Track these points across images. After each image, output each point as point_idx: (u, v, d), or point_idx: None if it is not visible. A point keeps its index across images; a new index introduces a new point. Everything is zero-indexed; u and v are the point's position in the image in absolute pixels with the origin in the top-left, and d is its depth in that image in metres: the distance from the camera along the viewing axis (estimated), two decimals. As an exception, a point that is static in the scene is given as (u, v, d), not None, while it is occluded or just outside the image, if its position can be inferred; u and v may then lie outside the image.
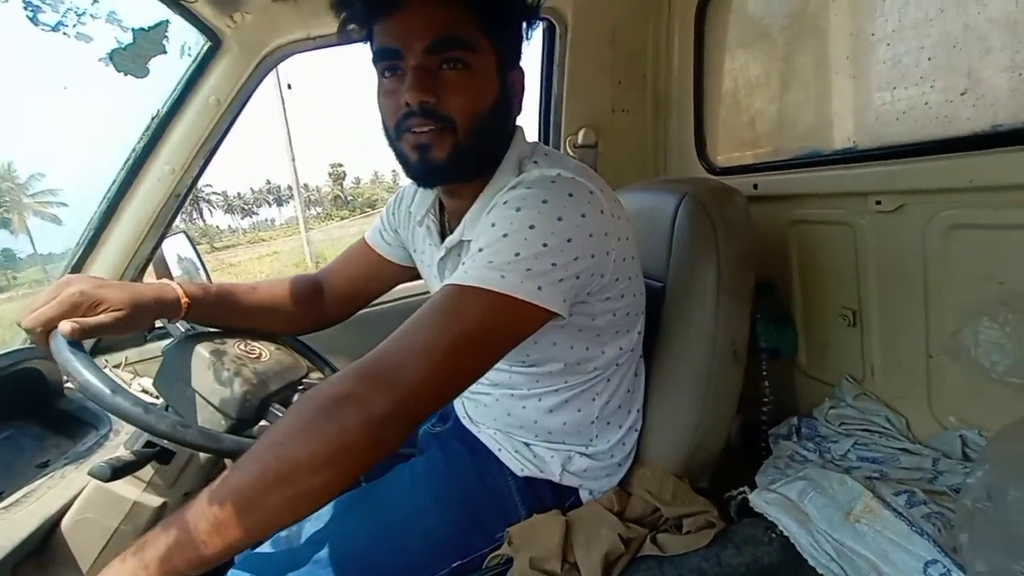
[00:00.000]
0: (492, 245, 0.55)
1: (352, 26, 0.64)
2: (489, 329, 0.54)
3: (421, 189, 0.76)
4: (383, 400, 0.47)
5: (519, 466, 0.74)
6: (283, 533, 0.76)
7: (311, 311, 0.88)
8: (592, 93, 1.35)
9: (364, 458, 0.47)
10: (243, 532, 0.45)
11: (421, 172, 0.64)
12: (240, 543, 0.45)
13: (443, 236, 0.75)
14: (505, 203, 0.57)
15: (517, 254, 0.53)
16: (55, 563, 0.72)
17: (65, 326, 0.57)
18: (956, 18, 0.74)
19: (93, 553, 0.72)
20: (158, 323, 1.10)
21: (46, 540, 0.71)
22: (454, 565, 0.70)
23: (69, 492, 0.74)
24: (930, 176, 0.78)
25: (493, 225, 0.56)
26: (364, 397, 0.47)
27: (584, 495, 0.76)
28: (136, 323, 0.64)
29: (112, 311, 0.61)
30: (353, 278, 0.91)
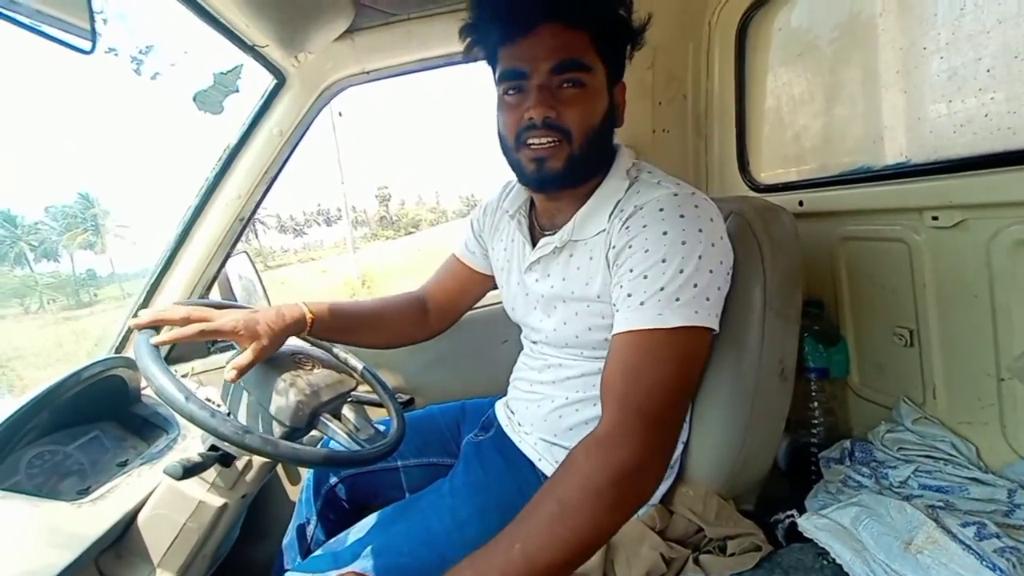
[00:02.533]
0: (673, 281, 0.60)
1: (477, 49, 0.73)
2: (698, 360, 0.64)
3: (517, 187, 0.84)
4: (659, 455, 0.59)
5: None
6: (331, 541, 0.79)
7: (419, 325, 0.98)
8: (633, 114, 1.36)
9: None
10: None
11: (537, 180, 0.71)
12: None
13: (532, 231, 0.81)
14: (664, 233, 0.62)
15: (696, 285, 0.60)
16: (131, 554, 0.78)
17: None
18: (1016, 28, 0.71)
19: (164, 546, 0.78)
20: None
21: (124, 532, 0.78)
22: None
23: (144, 490, 0.81)
24: (994, 190, 0.74)
25: (664, 261, 0.61)
26: (647, 461, 0.57)
27: (626, 510, 0.75)
28: (272, 349, 0.73)
29: (254, 343, 0.70)
30: (450, 291, 1.00)
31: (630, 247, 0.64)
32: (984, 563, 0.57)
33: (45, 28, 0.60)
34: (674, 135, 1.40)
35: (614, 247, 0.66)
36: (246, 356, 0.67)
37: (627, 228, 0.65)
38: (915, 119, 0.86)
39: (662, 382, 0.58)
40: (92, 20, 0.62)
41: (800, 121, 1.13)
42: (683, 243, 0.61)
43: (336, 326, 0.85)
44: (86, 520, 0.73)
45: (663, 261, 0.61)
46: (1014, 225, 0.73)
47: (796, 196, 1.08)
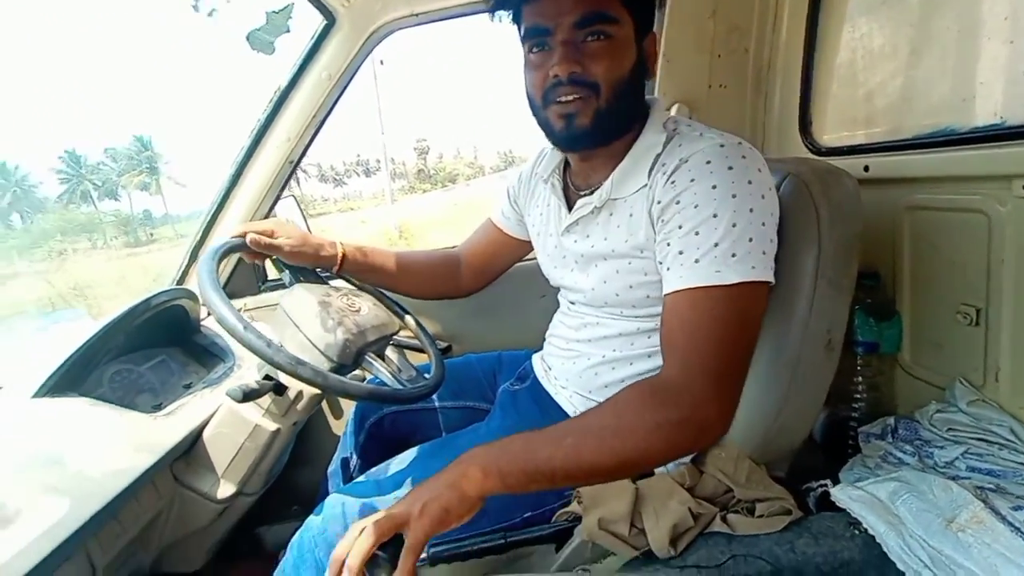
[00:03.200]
0: (728, 236, 0.59)
1: (500, 8, 0.71)
2: (757, 314, 0.63)
3: (550, 152, 0.83)
4: (718, 411, 0.58)
5: None
6: (373, 470, 0.85)
7: (450, 282, 1.03)
8: (689, 68, 1.29)
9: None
10: (586, 483, 0.65)
11: (565, 138, 0.70)
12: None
13: (567, 194, 0.81)
14: (714, 187, 0.60)
15: (751, 239, 0.59)
16: (199, 464, 0.87)
17: (253, 236, 0.81)
18: None
19: (226, 461, 0.86)
20: (272, 275, 1.26)
21: (192, 445, 0.86)
22: (526, 515, 0.75)
23: (208, 410, 0.89)
24: None
25: (715, 215, 0.59)
26: (707, 418, 0.57)
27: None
28: (300, 257, 0.87)
29: (288, 239, 0.84)
30: (484, 254, 1.04)
31: (678, 202, 0.62)
32: (1030, 546, 0.55)
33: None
34: (731, 91, 1.31)
35: (659, 202, 0.64)
36: (267, 239, 0.83)
37: (672, 183, 0.63)
38: (1019, 74, 0.77)
39: (724, 339, 0.58)
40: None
41: (876, 78, 1.03)
42: (733, 196, 0.59)
43: (366, 265, 0.94)
44: (162, 431, 0.81)
45: (714, 216, 0.59)
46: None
47: (862, 160, 1.00)
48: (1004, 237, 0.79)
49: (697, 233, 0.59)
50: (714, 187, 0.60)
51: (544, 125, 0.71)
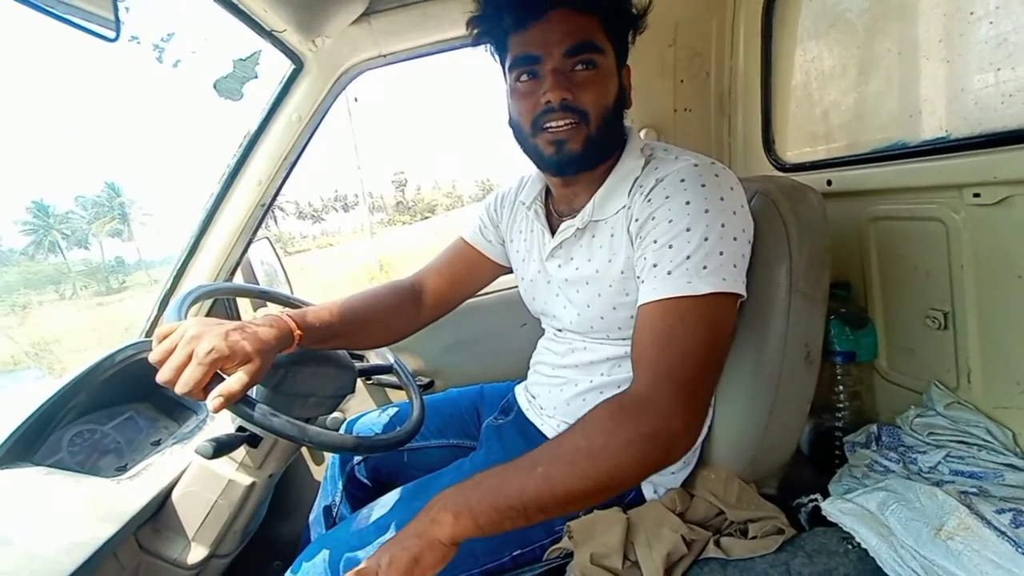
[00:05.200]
0: (700, 249, 0.60)
1: (485, 38, 0.72)
2: (728, 325, 0.63)
3: (532, 179, 0.84)
4: (693, 421, 0.58)
5: None
6: (355, 515, 0.81)
7: (408, 317, 0.92)
8: (654, 93, 1.34)
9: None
10: (561, 515, 0.61)
11: (556, 163, 0.71)
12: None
13: (550, 220, 0.81)
14: (687, 203, 0.62)
15: (721, 252, 0.60)
16: (167, 528, 0.82)
17: (215, 403, 0.58)
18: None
19: (197, 522, 0.82)
20: (246, 316, 1.21)
21: (160, 508, 0.81)
22: (515, 554, 0.73)
23: (177, 468, 0.85)
24: None
25: (688, 229, 0.61)
26: (678, 427, 0.56)
27: (647, 491, 0.75)
28: (264, 370, 0.63)
29: (247, 364, 0.60)
30: (452, 277, 0.95)
31: (653, 218, 0.63)
32: (1020, 550, 0.55)
33: (70, 16, 0.61)
34: (696, 114, 1.36)
35: (636, 220, 0.66)
36: (237, 380, 0.59)
37: (649, 201, 0.65)
38: (958, 91, 0.81)
39: (693, 348, 0.58)
40: (116, 8, 0.63)
41: (830, 97, 1.08)
42: (706, 211, 0.61)
43: (325, 335, 0.77)
44: (125, 495, 0.77)
45: (687, 230, 0.60)
46: (1063, 201, 0.69)
47: (824, 175, 1.04)
48: (961, 243, 0.82)
49: (671, 247, 0.61)
50: (687, 203, 0.61)
51: (533, 152, 0.72)
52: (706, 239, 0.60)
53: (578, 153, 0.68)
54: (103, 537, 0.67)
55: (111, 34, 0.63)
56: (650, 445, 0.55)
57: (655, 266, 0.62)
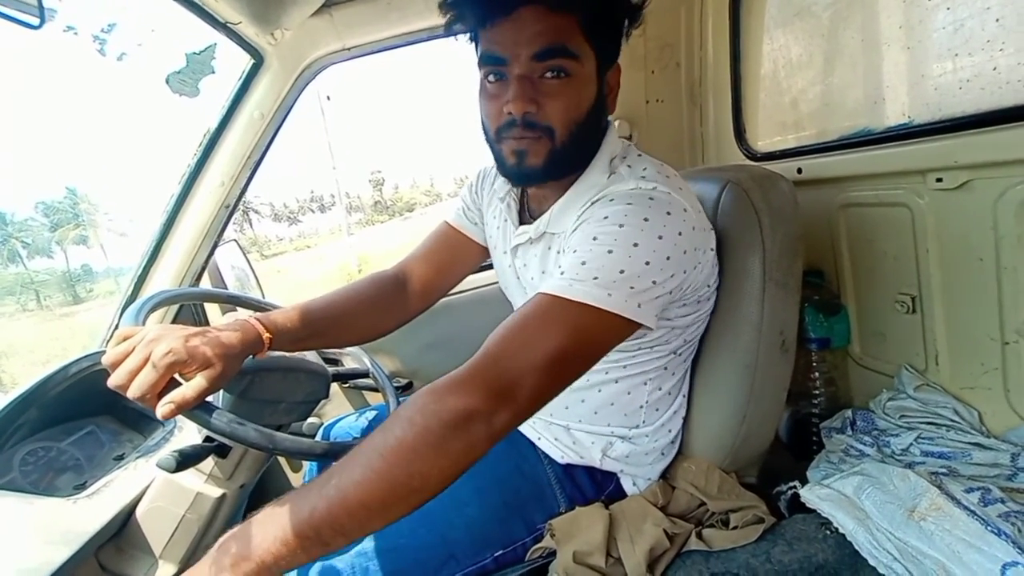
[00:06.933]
0: (597, 260, 0.55)
1: (458, 27, 0.66)
2: (594, 343, 0.56)
3: None
4: (506, 416, 0.48)
5: (559, 453, 0.74)
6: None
7: (393, 311, 0.87)
8: (626, 84, 1.32)
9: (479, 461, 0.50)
10: (363, 534, 0.49)
11: (516, 175, 0.67)
12: (353, 542, 0.50)
13: (521, 216, 0.78)
14: (605, 218, 0.58)
15: (622, 271, 0.55)
16: (131, 547, 0.78)
17: (165, 410, 0.54)
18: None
19: (164, 538, 0.78)
20: (214, 322, 1.16)
21: (123, 526, 0.77)
22: (496, 555, 0.71)
23: (142, 483, 0.80)
24: (1001, 148, 0.71)
25: (595, 239, 0.57)
26: (489, 413, 0.48)
27: (626, 484, 0.75)
28: (228, 376, 0.60)
29: (206, 370, 0.57)
30: (438, 263, 0.90)
31: (580, 230, 0.60)
32: (989, 528, 0.57)
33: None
34: (668, 105, 1.36)
35: (574, 231, 0.62)
36: (194, 386, 0.56)
37: (590, 213, 0.61)
38: (918, 77, 0.83)
39: (538, 346, 0.51)
40: (38, -8, 0.58)
41: (797, 86, 1.09)
42: (620, 226, 0.56)
43: (300, 335, 0.73)
44: (83, 515, 0.72)
45: (594, 239, 0.57)
46: (1022, 184, 0.71)
47: (794, 163, 1.05)
48: (926, 227, 0.83)
49: (584, 263, 0.56)
50: (621, 226, 0.57)
51: (497, 157, 0.68)
52: (609, 252, 0.55)
53: (539, 167, 0.63)
54: (57, 561, 0.63)
55: (35, 21, 0.58)
56: (449, 432, 0.47)
57: (559, 267, 0.58)
